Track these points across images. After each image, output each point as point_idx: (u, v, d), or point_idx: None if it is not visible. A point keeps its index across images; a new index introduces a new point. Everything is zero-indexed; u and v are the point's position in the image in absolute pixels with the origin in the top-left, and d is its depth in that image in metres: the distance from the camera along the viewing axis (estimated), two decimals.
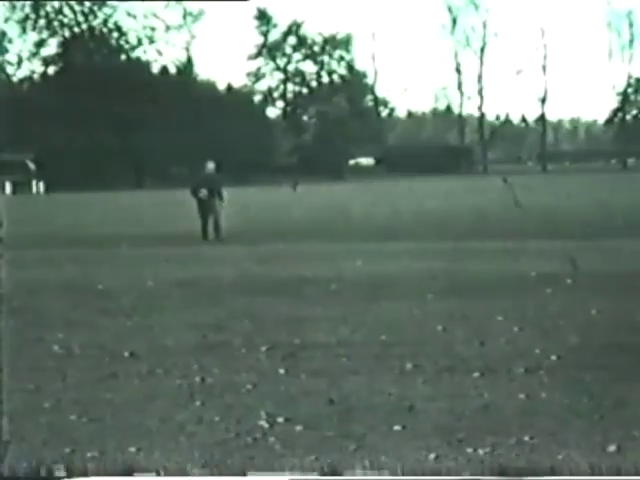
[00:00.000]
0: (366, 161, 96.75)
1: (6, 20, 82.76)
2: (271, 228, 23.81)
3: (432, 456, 5.02)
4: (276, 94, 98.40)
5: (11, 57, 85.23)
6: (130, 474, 4.82)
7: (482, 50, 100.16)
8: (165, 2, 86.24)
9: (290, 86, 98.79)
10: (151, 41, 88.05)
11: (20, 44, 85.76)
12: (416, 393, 6.36)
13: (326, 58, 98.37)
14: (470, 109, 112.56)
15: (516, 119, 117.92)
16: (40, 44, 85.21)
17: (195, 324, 9.18)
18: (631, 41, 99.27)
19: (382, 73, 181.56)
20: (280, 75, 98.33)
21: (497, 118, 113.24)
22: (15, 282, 11.86)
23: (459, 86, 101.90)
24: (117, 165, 75.45)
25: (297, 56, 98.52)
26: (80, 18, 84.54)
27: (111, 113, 74.13)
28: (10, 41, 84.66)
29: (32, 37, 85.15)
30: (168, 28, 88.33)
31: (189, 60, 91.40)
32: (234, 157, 69.82)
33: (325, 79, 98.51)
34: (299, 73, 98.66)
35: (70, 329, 9.05)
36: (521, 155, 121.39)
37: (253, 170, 78.89)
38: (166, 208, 36.71)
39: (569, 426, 5.50)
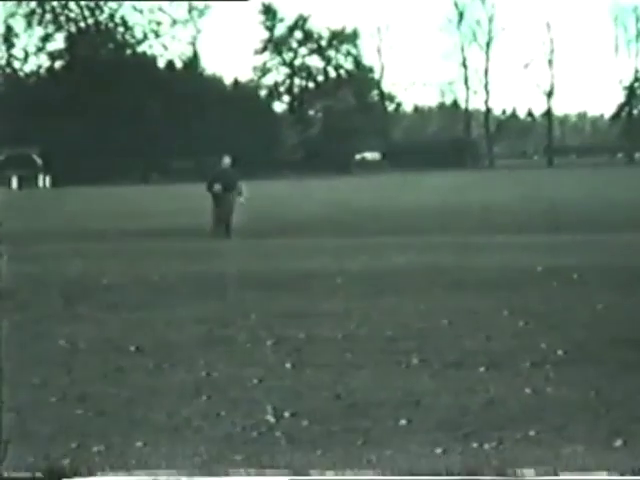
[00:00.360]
0: (372, 155, 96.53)
1: (12, 15, 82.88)
2: (278, 223, 23.79)
3: (438, 450, 5.01)
4: (282, 89, 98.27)
5: (17, 52, 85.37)
6: (134, 469, 4.82)
7: (488, 45, 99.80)
8: None
9: (296, 81, 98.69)
10: (157, 36, 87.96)
11: (26, 39, 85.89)
12: (422, 387, 6.35)
13: (332, 53, 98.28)
14: (476, 104, 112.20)
15: (522, 113, 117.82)
16: (46, 39, 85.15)
17: (201, 318, 9.18)
18: (637, 36, 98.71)
19: (388, 68, 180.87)
20: (286, 70, 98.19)
21: (503, 112, 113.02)
22: (22, 277, 11.90)
23: (465, 81, 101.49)
24: (123, 159, 75.40)
25: (303, 51, 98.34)
26: (86, 13, 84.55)
27: (117, 108, 74.12)
28: (17, 36, 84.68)
29: (38, 32, 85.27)
30: (174, 23, 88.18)
31: (195, 55, 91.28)
32: (240, 152, 69.65)
33: (332, 74, 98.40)
34: (305, 68, 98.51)
35: (76, 323, 9.06)
36: (527, 149, 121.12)
37: (259, 164, 78.84)
38: (173, 202, 36.70)
39: (575, 420, 5.49)
